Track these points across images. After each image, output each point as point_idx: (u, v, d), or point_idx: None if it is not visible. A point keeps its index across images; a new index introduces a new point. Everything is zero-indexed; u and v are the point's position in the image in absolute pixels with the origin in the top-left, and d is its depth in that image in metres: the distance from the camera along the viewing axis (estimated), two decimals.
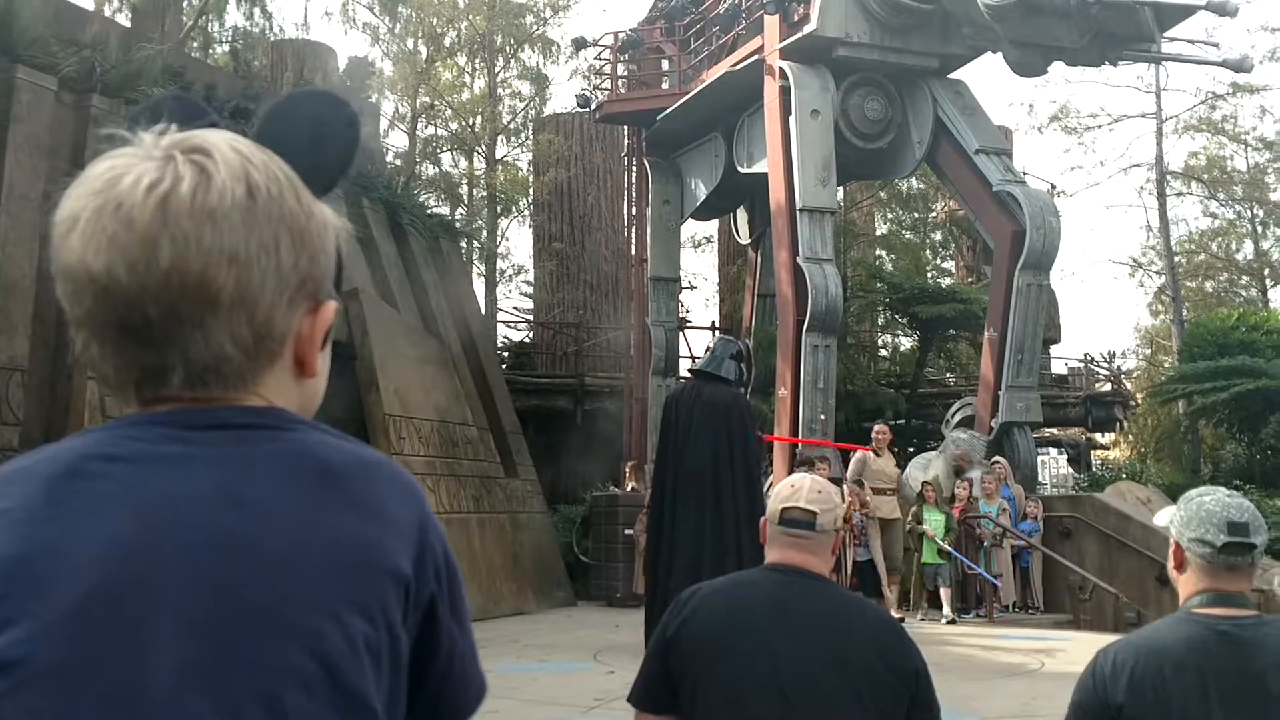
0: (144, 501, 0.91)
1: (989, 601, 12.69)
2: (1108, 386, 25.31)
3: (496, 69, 25.27)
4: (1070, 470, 26.32)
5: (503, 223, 26.37)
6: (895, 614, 10.78)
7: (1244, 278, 33.53)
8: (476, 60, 25.50)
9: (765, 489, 9.64)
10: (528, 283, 26.74)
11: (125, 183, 0.92)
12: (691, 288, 28.72)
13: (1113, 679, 2.35)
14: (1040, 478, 20.82)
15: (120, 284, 0.91)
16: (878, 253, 27.75)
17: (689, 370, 12.08)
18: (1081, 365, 27.03)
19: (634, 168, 20.04)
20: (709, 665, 2.43)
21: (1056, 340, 25.82)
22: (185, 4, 19.45)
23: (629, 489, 16.64)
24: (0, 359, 9.16)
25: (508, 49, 25.31)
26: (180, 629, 0.87)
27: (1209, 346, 20.55)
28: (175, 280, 0.91)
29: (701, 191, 18.51)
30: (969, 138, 15.38)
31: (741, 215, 20.04)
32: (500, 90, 25.60)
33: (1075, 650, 9.01)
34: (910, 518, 12.54)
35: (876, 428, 12.57)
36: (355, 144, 1.08)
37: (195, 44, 20.23)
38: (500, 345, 23.59)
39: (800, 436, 14.44)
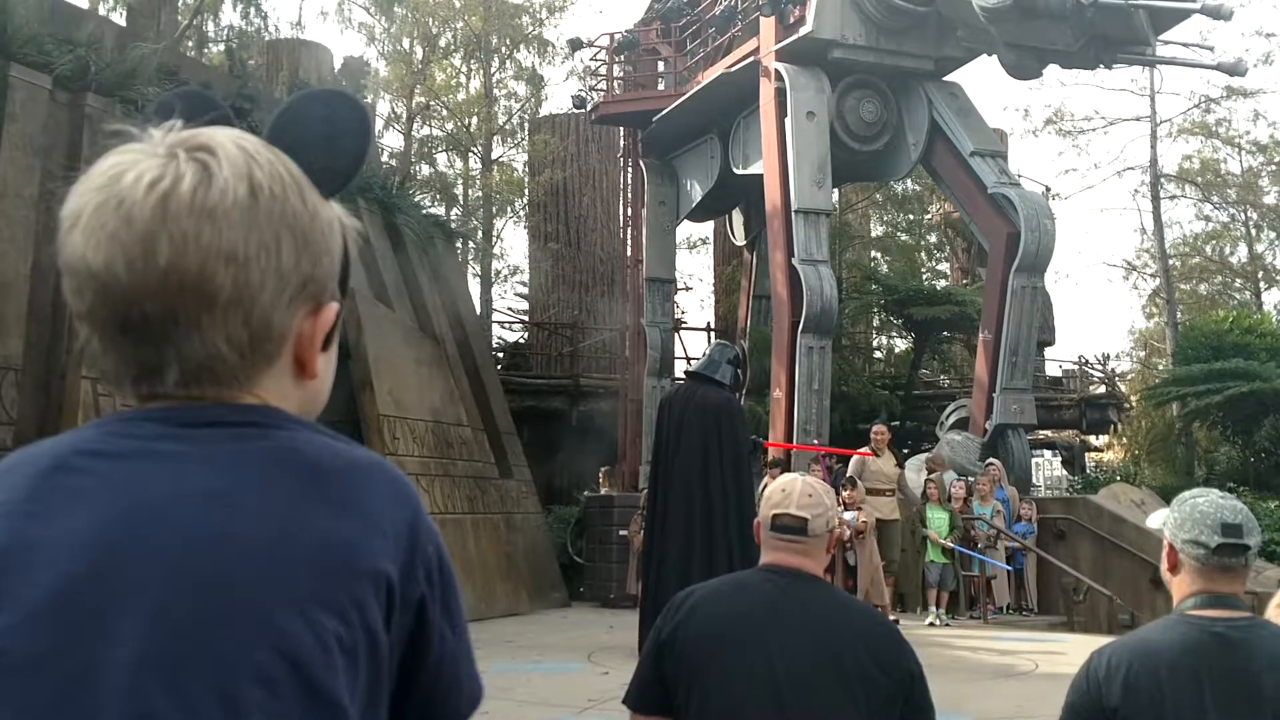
0: (123, 497, 0.91)
1: (983, 603, 12.70)
2: (1102, 389, 25.35)
3: (492, 69, 25.27)
4: (1064, 472, 26.39)
5: (498, 223, 26.41)
6: (890, 616, 10.79)
7: (1238, 281, 33.62)
8: (472, 61, 25.50)
9: (760, 490, 9.65)
10: (523, 283, 26.75)
11: (127, 180, 0.92)
12: (687, 289, 28.82)
13: (1107, 681, 2.35)
14: (1034, 480, 20.85)
15: (119, 280, 0.91)
16: (873, 254, 27.80)
17: (684, 372, 12.09)
18: (1076, 368, 27.08)
19: (629, 169, 20.03)
20: (704, 667, 2.43)
21: (1051, 343, 25.87)
22: (180, 3, 19.43)
23: (603, 492, 16.70)
24: None
25: (503, 49, 25.30)
26: (147, 624, 0.86)
27: (1203, 349, 20.59)
28: (173, 278, 0.91)
29: (697, 193, 18.52)
30: (964, 140, 15.40)
31: (737, 217, 20.04)
32: (496, 91, 25.62)
33: (1069, 652, 9.02)
34: (914, 519, 12.46)
35: (875, 428, 12.49)
36: (367, 144, 1.08)
37: (190, 43, 20.21)
38: (495, 346, 23.60)
39: (795, 438, 14.46)
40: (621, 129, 20.57)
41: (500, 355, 23.26)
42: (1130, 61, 15.03)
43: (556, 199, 23.47)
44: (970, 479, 13.39)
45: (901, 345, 27.47)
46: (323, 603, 0.91)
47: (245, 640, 0.87)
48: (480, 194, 25.50)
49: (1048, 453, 28.13)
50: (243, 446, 0.95)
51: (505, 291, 28.10)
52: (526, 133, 25.52)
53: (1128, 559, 13.23)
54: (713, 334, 23.21)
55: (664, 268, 19.38)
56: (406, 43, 25.18)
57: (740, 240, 20.26)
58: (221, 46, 22.14)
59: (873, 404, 20.14)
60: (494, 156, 25.57)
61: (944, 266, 29.60)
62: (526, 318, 25.07)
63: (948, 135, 15.57)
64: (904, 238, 28.56)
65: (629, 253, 19.93)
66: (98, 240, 0.92)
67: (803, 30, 15.14)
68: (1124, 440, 26.73)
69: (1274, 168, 30.96)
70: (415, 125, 25.26)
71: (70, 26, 11.30)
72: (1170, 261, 29.39)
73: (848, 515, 11.75)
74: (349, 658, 0.91)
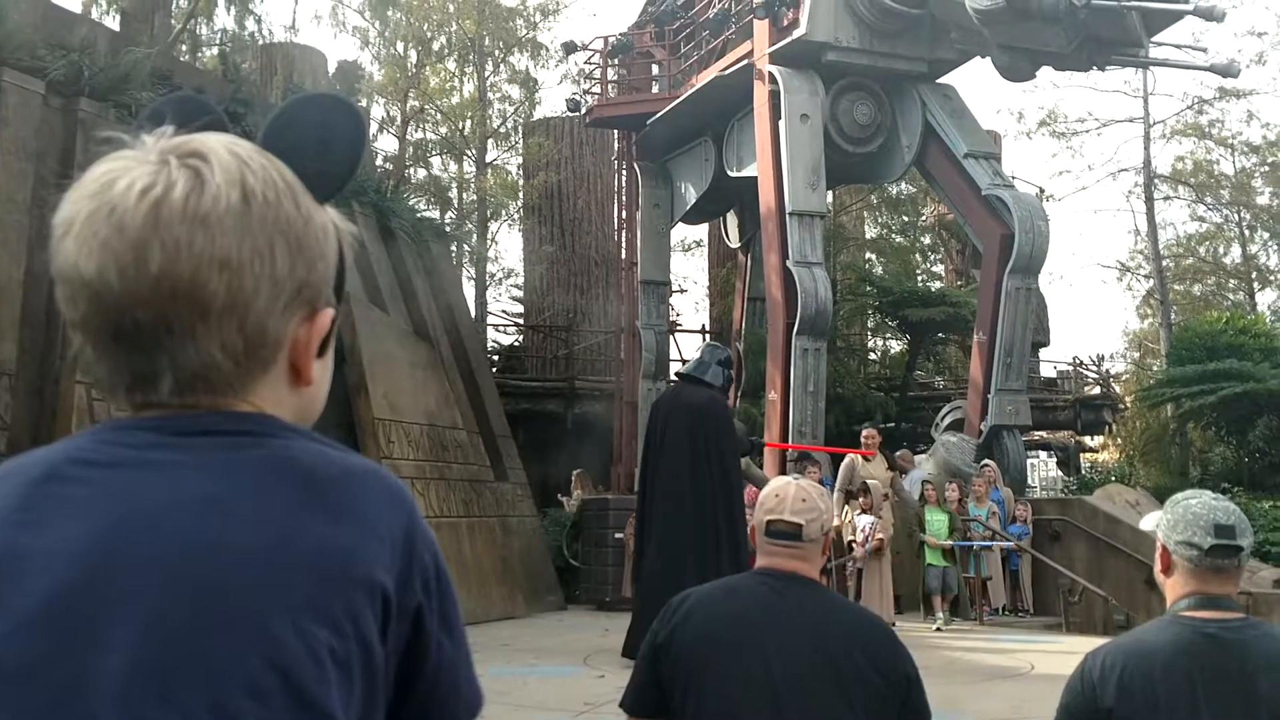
0: (116, 507, 0.90)
1: (979, 604, 12.70)
2: (1097, 390, 25.42)
3: (486, 73, 25.27)
4: (1059, 473, 26.43)
5: (492, 226, 26.38)
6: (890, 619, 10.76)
7: (1231, 281, 33.68)
8: (466, 64, 25.50)
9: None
10: (518, 286, 26.75)
11: (119, 187, 0.92)
12: (682, 291, 28.82)
13: (1101, 682, 2.36)
14: (1029, 481, 20.87)
15: (111, 288, 0.91)
16: (867, 256, 27.82)
17: (675, 374, 12.10)
18: (1070, 369, 27.15)
19: (624, 171, 20.05)
20: (700, 671, 2.43)
21: (1045, 344, 25.93)
22: (174, 7, 19.37)
23: (575, 495, 16.70)
24: None
25: (497, 53, 25.31)
26: (138, 634, 0.86)
27: (1197, 350, 20.62)
28: (165, 286, 0.90)
29: (691, 195, 18.53)
30: (958, 142, 15.43)
31: (731, 219, 20.06)
32: (490, 94, 25.61)
33: (1065, 653, 9.03)
34: (911, 523, 12.42)
35: (866, 431, 12.48)
36: (362, 149, 1.07)
37: (184, 47, 20.15)
38: (490, 349, 23.59)
39: (791, 440, 14.47)
40: (616, 132, 20.59)
41: (495, 358, 23.26)
42: (1123, 63, 15.07)
43: (551, 202, 23.48)
44: (964, 480, 13.40)
45: (896, 347, 27.52)
46: (317, 613, 0.90)
47: (238, 650, 0.87)
48: (475, 197, 25.49)
49: (1043, 454, 28.17)
50: (237, 455, 0.94)
51: (500, 294, 28.11)
52: (521, 136, 25.53)
53: (1123, 560, 13.25)
54: (708, 336, 23.23)
55: (659, 270, 19.39)
56: (400, 46, 25.19)
57: (735, 243, 20.28)
58: (215, 51, 22.08)
59: (868, 406, 20.16)
60: (488, 160, 25.57)
61: (938, 268, 29.65)
62: (521, 321, 25.07)
63: (941, 137, 15.60)
64: (898, 239, 28.62)
65: (623, 255, 19.95)
66: (90, 248, 0.91)
67: (796, 33, 15.16)
68: (1119, 441, 26.77)
69: (1267, 168, 31.03)
70: (409, 129, 25.26)
71: (63, 31, 11.29)
72: (1164, 262, 29.44)
73: (863, 520, 11.63)
74: (342, 670, 0.90)
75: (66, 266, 0.93)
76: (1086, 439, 27.26)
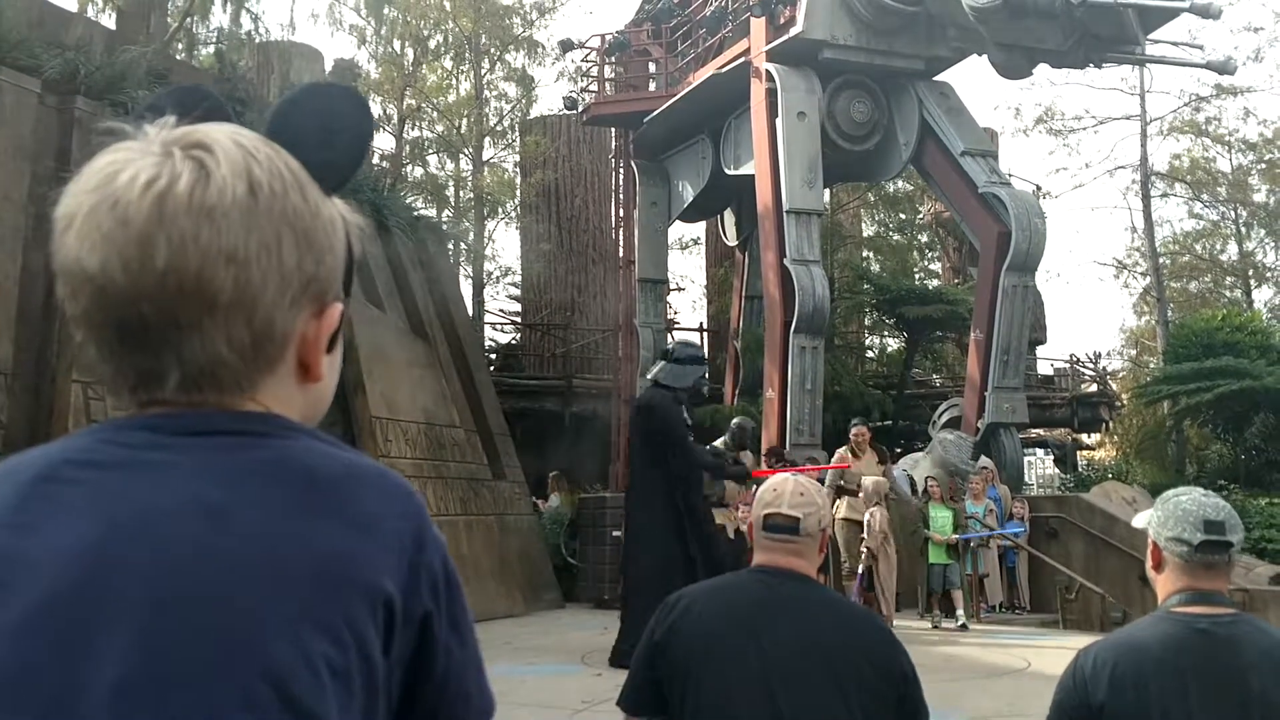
0: (111, 510, 0.88)
1: (975, 601, 12.72)
2: (1093, 387, 25.44)
3: (483, 71, 25.24)
4: (1056, 471, 26.43)
5: (490, 224, 26.33)
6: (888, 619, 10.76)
7: (1228, 278, 33.72)
8: (462, 62, 25.48)
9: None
10: (515, 284, 26.74)
11: (122, 179, 0.89)
12: (679, 289, 28.79)
13: (1093, 678, 2.37)
14: (1026, 478, 20.88)
15: (116, 283, 0.88)
16: (864, 254, 27.83)
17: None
18: (1067, 366, 27.16)
19: (621, 170, 20.05)
20: (697, 669, 2.44)
21: (1042, 341, 25.95)
22: (170, 5, 19.34)
23: (551, 498, 16.72)
24: None
25: (494, 51, 25.28)
26: (130, 643, 0.83)
27: (1194, 347, 20.66)
28: (171, 280, 0.88)
29: (689, 193, 18.53)
30: (954, 139, 15.44)
31: (729, 217, 20.07)
32: (487, 92, 25.57)
33: (1061, 650, 9.04)
34: (914, 520, 12.35)
35: (855, 429, 12.31)
36: (368, 139, 1.05)
37: (180, 46, 20.12)
38: (488, 347, 23.57)
39: (789, 438, 14.47)
40: (613, 130, 20.59)
41: (493, 356, 23.25)
42: (1120, 60, 15.10)
43: (548, 200, 23.47)
44: (962, 478, 13.41)
45: (894, 345, 27.52)
46: (315, 622, 0.87)
47: (231, 662, 0.84)
48: (471, 195, 25.45)
49: (1040, 451, 28.17)
50: (238, 456, 0.91)
51: (497, 293, 28.07)
52: (517, 134, 25.51)
53: (1119, 557, 13.26)
54: (705, 334, 23.25)
55: (656, 268, 19.40)
56: (397, 45, 25.16)
57: (732, 241, 20.29)
58: (211, 49, 22.06)
59: (865, 403, 20.15)
60: (485, 158, 25.54)
61: (935, 266, 29.67)
62: (519, 319, 25.07)
63: (938, 135, 15.61)
64: (896, 237, 28.63)
65: (621, 253, 19.95)
66: (93, 242, 0.88)
67: (793, 31, 15.17)
68: (1115, 438, 26.83)
69: (1264, 165, 31.06)
70: (406, 127, 25.22)
71: (59, 29, 11.27)
72: (1161, 260, 29.47)
73: (873, 513, 11.48)
74: (340, 680, 0.87)
75: (69, 261, 0.90)
76: (1083, 436, 27.30)
